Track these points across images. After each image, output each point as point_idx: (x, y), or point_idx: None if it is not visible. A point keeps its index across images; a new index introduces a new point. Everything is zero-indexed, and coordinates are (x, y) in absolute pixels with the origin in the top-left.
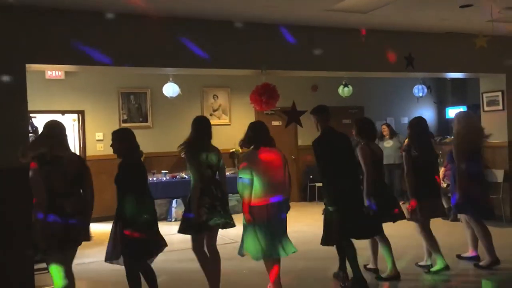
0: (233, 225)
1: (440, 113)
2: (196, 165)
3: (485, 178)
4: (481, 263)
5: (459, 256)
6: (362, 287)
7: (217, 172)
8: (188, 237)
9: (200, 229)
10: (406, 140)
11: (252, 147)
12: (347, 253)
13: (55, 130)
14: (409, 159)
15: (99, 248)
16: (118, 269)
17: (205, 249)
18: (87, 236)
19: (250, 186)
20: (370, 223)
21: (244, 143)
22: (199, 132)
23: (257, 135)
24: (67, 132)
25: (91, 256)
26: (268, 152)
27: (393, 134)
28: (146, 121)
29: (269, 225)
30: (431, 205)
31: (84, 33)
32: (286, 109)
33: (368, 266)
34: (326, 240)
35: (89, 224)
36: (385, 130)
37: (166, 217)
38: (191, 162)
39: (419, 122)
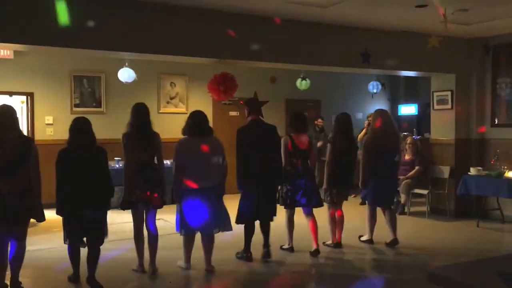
0: (159, 207)
1: (393, 109)
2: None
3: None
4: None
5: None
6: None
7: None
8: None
9: (131, 207)
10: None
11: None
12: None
13: None
14: (331, 151)
15: (46, 235)
16: (65, 256)
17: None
18: (37, 216)
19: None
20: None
21: (184, 131)
22: (134, 118)
23: (194, 124)
24: (12, 115)
25: (38, 244)
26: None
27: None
28: (100, 106)
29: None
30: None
31: (30, 11)
32: (244, 99)
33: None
34: (236, 219)
35: (36, 205)
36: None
37: (117, 205)
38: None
39: (343, 118)
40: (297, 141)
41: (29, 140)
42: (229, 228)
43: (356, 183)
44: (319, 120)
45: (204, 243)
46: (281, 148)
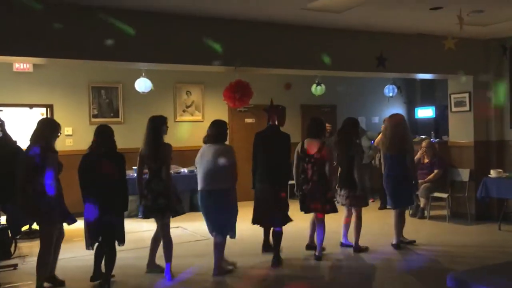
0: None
1: (410, 113)
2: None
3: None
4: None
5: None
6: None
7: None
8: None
9: (144, 216)
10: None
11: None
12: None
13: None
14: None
15: (67, 245)
16: (86, 265)
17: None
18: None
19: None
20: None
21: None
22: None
23: (209, 132)
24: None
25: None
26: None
27: (361, 133)
28: (118, 117)
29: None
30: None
31: (50, 25)
32: (260, 106)
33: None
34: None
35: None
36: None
37: (137, 214)
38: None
39: (350, 122)
40: (307, 146)
41: (45, 149)
42: (232, 235)
43: (374, 187)
44: (327, 125)
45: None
46: (289, 156)
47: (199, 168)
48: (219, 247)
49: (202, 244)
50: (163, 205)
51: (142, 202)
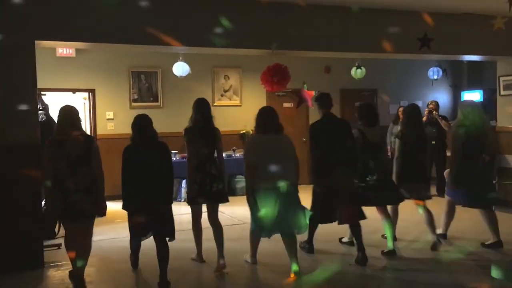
0: (220, 201)
1: (456, 97)
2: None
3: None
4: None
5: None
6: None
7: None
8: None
9: (192, 202)
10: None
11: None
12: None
13: (59, 117)
14: (400, 145)
15: (109, 226)
16: (126, 246)
17: (207, 221)
18: (99, 211)
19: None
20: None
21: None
22: (197, 113)
23: (263, 121)
24: (75, 116)
25: (101, 234)
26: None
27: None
28: (157, 101)
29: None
30: (410, 187)
31: (91, 9)
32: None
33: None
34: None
35: (99, 200)
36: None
37: (176, 197)
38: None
39: (412, 110)
40: (369, 135)
41: (90, 138)
42: (303, 230)
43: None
44: (400, 109)
45: (285, 244)
46: (356, 144)
47: (263, 161)
48: (294, 241)
49: (238, 229)
50: (218, 190)
51: (192, 187)
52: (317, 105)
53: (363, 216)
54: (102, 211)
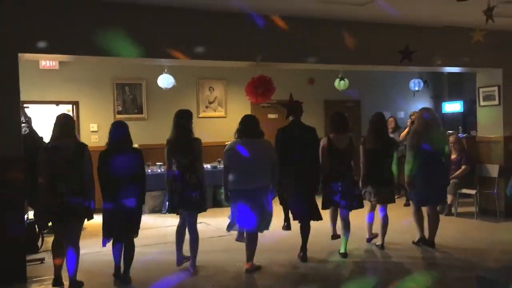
0: (198, 210)
1: (437, 107)
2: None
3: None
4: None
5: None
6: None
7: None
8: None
9: (172, 211)
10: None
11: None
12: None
13: (55, 124)
14: (363, 151)
15: (93, 240)
16: (111, 260)
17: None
18: (89, 214)
19: None
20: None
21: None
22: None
23: (243, 127)
24: (71, 124)
25: (86, 248)
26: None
27: (396, 128)
28: (141, 113)
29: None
30: (374, 191)
31: (75, 21)
32: (283, 102)
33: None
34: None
35: (87, 204)
36: (391, 124)
37: (161, 209)
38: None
39: (377, 117)
40: (336, 142)
41: (83, 145)
42: (265, 227)
43: (400, 183)
44: (390, 119)
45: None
46: (319, 149)
47: (238, 165)
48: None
49: (225, 240)
50: (197, 199)
51: (172, 197)
52: (286, 111)
53: (317, 217)
54: (91, 213)
